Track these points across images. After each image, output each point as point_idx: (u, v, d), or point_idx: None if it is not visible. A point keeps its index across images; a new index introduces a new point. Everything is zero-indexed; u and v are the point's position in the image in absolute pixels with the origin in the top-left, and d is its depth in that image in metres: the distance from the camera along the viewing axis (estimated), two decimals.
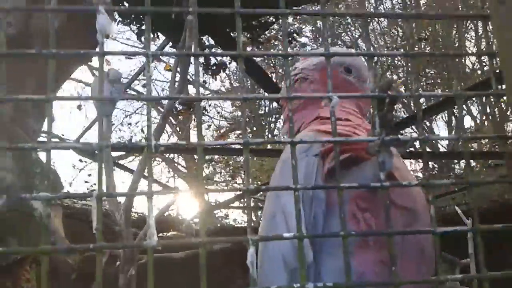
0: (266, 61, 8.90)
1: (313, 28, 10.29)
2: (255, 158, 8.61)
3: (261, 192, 8.51)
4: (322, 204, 0.84)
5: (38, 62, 1.22)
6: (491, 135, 0.52)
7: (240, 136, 10.79)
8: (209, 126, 10.13)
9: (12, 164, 1.10)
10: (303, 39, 10.94)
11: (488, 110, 8.40)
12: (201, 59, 4.34)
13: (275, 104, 9.57)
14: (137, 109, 10.04)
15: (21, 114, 1.29)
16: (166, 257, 4.21)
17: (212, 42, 4.29)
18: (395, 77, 10.07)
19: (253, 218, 10.52)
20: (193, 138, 10.52)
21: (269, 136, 11.30)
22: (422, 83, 8.81)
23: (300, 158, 0.87)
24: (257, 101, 11.42)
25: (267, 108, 11.41)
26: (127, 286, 2.45)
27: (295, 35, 4.65)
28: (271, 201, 0.94)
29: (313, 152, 0.89)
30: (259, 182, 8.11)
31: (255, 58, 4.67)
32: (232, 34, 4.06)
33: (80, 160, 8.18)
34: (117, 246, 0.47)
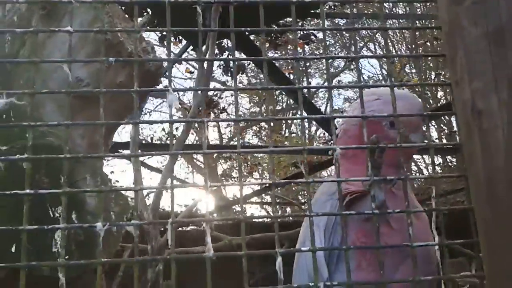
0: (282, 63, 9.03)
1: (331, 24, 10.33)
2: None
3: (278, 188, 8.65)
4: (338, 237, 1.10)
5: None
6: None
7: (259, 131, 10.93)
8: (228, 124, 10.29)
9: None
10: (321, 35, 11.01)
11: None
12: (221, 62, 4.54)
13: (291, 100, 9.71)
14: (156, 106, 10.27)
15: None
16: (190, 251, 4.39)
17: (231, 44, 4.44)
18: (414, 70, 10.13)
19: (270, 212, 10.69)
20: (211, 135, 10.71)
21: (287, 130, 11.46)
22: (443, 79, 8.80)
23: (327, 200, 1.13)
24: (275, 97, 11.57)
25: (284, 104, 11.55)
26: (154, 281, 2.62)
27: (312, 37, 4.78)
28: (304, 229, 1.23)
29: (337, 196, 1.09)
30: (277, 178, 8.25)
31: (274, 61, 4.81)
32: (251, 37, 4.21)
33: None
34: (182, 257, 0.61)
